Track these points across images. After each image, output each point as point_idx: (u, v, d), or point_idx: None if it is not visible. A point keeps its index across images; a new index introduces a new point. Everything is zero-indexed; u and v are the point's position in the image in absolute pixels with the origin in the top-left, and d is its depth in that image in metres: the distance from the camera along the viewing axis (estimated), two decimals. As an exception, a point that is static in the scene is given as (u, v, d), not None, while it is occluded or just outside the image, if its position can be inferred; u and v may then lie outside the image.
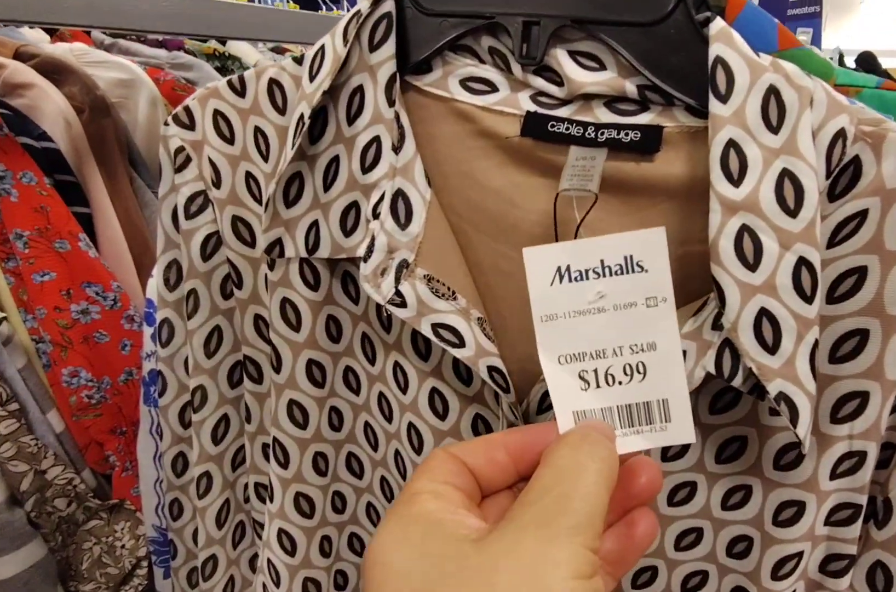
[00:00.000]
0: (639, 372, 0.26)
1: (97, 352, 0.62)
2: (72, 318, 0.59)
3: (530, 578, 0.20)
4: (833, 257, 0.32)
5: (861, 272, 0.31)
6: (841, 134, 0.30)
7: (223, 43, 1.08)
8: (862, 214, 0.31)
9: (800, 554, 0.34)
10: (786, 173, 0.30)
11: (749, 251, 0.30)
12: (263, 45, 1.23)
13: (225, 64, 0.92)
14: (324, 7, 1.95)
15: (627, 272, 0.25)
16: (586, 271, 0.26)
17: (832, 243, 0.32)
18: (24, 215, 0.61)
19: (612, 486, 0.23)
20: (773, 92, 0.30)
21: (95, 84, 0.67)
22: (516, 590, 0.19)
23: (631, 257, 0.25)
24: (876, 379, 0.31)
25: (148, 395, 0.56)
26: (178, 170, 0.42)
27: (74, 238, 0.60)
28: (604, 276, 0.26)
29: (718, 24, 0.31)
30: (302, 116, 0.36)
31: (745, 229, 0.30)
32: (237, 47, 1.06)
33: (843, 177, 0.31)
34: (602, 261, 0.26)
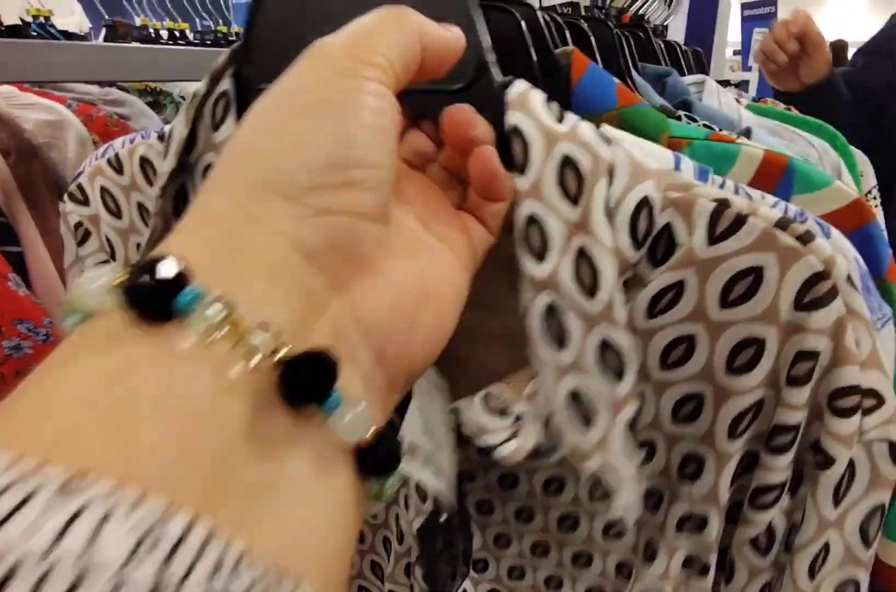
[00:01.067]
0: None
1: (31, 384, 0.65)
2: (4, 354, 0.63)
3: None
4: (660, 325, 0.30)
5: (690, 341, 0.30)
6: (645, 203, 0.28)
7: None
8: (679, 285, 0.29)
9: None
10: (582, 253, 0.28)
11: (556, 331, 0.28)
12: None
13: (157, 99, 0.94)
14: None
15: None
16: None
17: (658, 310, 0.30)
18: (-49, 258, 0.64)
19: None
20: (568, 162, 0.28)
21: (21, 128, 0.70)
22: None
23: None
24: (710, 445, 0.31)
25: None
26: (80, 243, 0.45)
27: (3, 278, 0.63)
28: None
29: (516, 88, 0.29)
30: (158, 196, 0.39)
31: (551, 307, 0.28)
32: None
33: (661, 243, 0.29)
34: None
